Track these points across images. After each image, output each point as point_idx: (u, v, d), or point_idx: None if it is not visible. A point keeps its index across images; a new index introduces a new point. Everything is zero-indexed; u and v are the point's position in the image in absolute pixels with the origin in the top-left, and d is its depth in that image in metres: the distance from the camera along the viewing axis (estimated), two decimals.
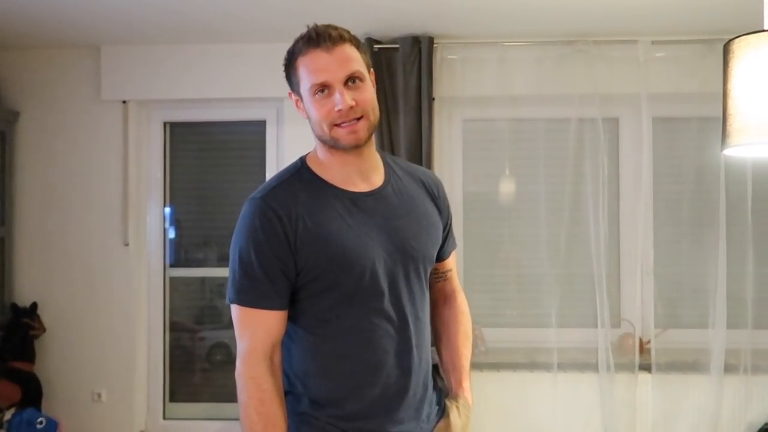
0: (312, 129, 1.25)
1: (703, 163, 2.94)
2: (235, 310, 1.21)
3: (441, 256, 1.41)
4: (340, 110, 1.18)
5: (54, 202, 3.16)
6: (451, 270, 1.47)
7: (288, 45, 1.29)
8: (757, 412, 2.82)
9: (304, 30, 1.25)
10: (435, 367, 1.41)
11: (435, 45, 2.90)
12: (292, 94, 1.28)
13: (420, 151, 2.86)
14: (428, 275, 1.34)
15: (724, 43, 1.32)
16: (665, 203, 3.02)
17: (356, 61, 1.21)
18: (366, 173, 1.28)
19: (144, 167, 3.23)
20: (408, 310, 1.26)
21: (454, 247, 1.48)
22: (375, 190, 1.27)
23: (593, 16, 2.66)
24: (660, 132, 3.01)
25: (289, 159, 3.35)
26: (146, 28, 2.86)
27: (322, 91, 1.18)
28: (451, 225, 1.45)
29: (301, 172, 1.27)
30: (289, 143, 3.07)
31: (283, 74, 1.30)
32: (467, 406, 1.39)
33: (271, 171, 3.15)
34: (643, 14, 2.64)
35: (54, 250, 3.15)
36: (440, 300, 1.46)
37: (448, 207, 1.42)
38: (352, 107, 1.18)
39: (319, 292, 1.21)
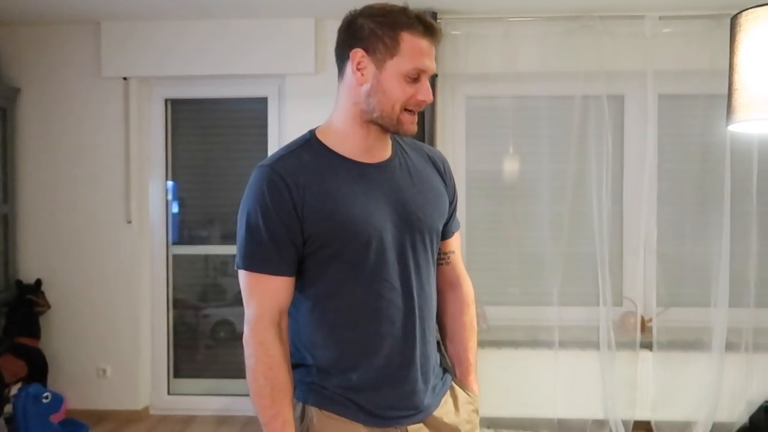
0: (364, 101, 1.22)
1: (709, 140, 2.91)
2: (243, 275, 1.22)
3: (444, 235, 1.40)
4: (423, 100, 1.22)
5: (56, 179, 3.16)
6: (453, 252, 1.44)
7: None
8: (758, 390, 2.84)
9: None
10: (437, 344, 1.41)
11: (439, 20, 2.86)
12: (360, 53, 1.22)
13: (422, 129, 2.84)
14: (435, 249, 1.34)
15: (731, 17, 1.30)
16: (669, 182, 3.00)
17: None
18: (378, 148, 1.29)
19: (145, 144, 3.22)
20: (414, 280, 1.26)
21: (457, 227, 1.46)
22: (382, 162, 1.28)
23: None
24: (665, 109, 2.98)
25: (291, 136, 3.32)
26: (147, 4, 2.82)
27: (416, 76, 1.21)
28: (456, 203, 1.44)
29: (310, 142, 1.27)
30: (290, 120, 3.05)
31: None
32: (474, 397, 1.40)
33: (273, 148, 3.14)
34: None
35: (57, 227, 3.16)
36: (444, 287, 1.43)
37: (453, 184, 1.43)
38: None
39: (325, 261, 1.21)
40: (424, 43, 1.20)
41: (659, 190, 2.96)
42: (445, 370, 1.39)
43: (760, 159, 2.80)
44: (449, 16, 2.89)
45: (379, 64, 1.20)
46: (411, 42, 1.19)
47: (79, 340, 3.16)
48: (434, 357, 1.33)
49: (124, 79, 3.11)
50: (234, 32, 3.03)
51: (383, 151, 1.30)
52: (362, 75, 1.22)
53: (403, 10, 1.21)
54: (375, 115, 1.22)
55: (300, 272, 1.24)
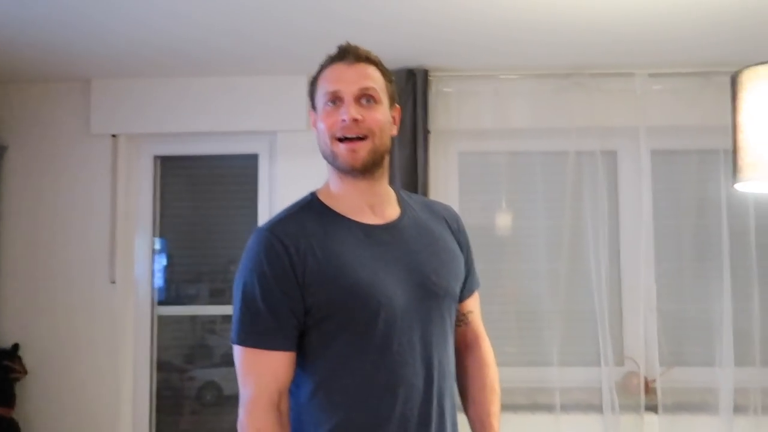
0: (319, 147, 1.22)
1: (704, 196, 2.89)
2: (238, 351, 1.11)
3: (461, 296, 1.31)
4: (344, 121, 1.15)
5: (39, 238, 3.07)
6: (472, 312, 1.35)
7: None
8: None
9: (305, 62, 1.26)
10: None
11: (430, 78, 2.87)
12: (312, 113, 1.25)
13: (416, 185, 2.80)
14: (452, 315, 1.24)
15: (731, 74, 1.28)
16: (666, 237, 2.95)
17: (374, 81, 1.20)
18: (378, 206, 1.22)
19: (133, 202, 3.15)
20: (429, 354, 1.16)
21: (476, 286, 1.38)
22: (390, 222, 1.21)
23: (590, 49, 2.65)
24: (659, 165, 2.97)
25: (282, 193, 3.27)
26: (137, 62, 2.82)
27: (334, 102, 1.17)
28: (472, 261, 1.36)
29: (311, 204, 1.21)
30: (281, 177, 3.01)
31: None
32: None
33: (264, 205, 3.08)
34: (640, 47, 2.62)
35: (38, 288, 3.05)
36: (462, 348, 1.33)
37: (468, 241, 1.36)
38: (356, 120, 1.14)
39: (329, 334, 1.12)
40: (335, 68, 1.18)
41: (656, 246, 2.92)
42: None
43: (757, 214, 2.78)
44: (441, 73, 2.91)
45: (317, 112, 1.22)
46: (324, 74, 1.20)
47: (57, 407, 2.99)
48: None
49: (113, 136, 3.08)
50: (225, 89, 3.02)
51: (388, 210, 1.22)
52: (315, 129, 1.22)
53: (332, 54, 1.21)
54: (325, 157, 1.20)
55: (301, 348, 1.13)
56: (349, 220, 1.18)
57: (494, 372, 1.33)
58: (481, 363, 1.32)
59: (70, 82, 3.08)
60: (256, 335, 1.10)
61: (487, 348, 1.35)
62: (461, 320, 1.33)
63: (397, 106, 1.27)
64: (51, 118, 3.10)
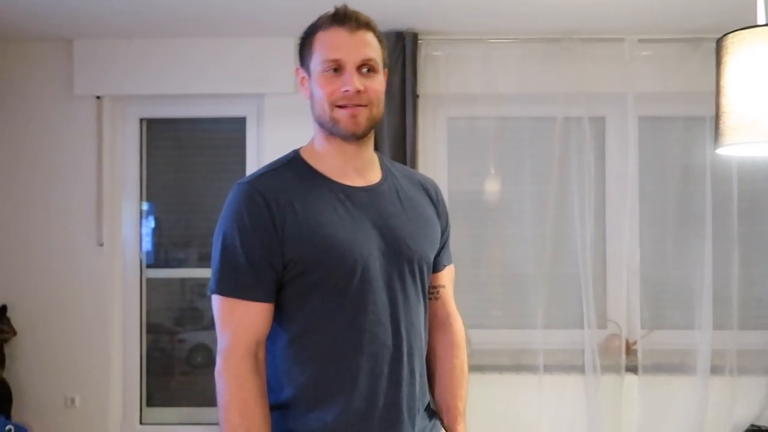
0: (312, 110, 1.21)
1: (689, 162, 2.91)
2: (217, 301, 1.13)
3: (434, 267, 1.32)
4: (347, 91, 1.15)
5: (24, 201, 3.05)
6: (444, 287, 1.36)
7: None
8: (743, 414, 2.81)
9: (306, 17, 1.23)
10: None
11: (419, 41, 2.84)
12: (300, 70, 1.24)
13: (404, 150, 2.80)
14: (425, 281, 1.26)
15: (717, 39, 1.28)
16: (651, 203, 2.99)
17: (374, 50, 1.20)
18: (362, 168, 1.23)
19: (119, 165, 3.13)
20: (402, 315, 1.18)
21: (449, 261, 1.39)
22: (371, 185, 1.22)
23: (579, 13, 2.63)
24: (646, 131, 2.98)
25: (270, 156, 3.26)
26: (122, 21, 2.76)
27: (335, 70, 1.16)
28: (448, 234, 1.37)
29: (293, 161, 1.22)
30: (269, 140, 2.99)
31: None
32: None
33: (251, 168, 3.07)
34: (630, 12, 2.60)
35: (25, 250, 3.04)
36: (433, 326, 1.34)
37: (446, 213, 1.36)
38: (359, 91, 1.15)
39: (306, 290, 1.14)
40: (335, 33, 1.17)
41: (641, 211, 2.95)
42: (433, 413, 1.30)
43: (740, 180, 2.81)
44: (430, 37, 2.88)
45: (308, 72, 1.21)
46: (321, 38, 1.18)
47: (47, 368, 3.03)
48: (423, 398, 1.24)
49: (98, 97, 3.03)
50: (212, 51, 2.98)
51: (371, 174, 1.24)
52: (305, 88, 1.22)
53: (327, 14, 1.20)
54: (320, 122, 1.20)
55: (278, 302, 1.15)
56: (330, 180, 1.19)
57: (463, 353, 1.36)
58: (451, 345, 1.34)
59: (52, 41, 3.01)
60: (234, 286, 1.12)
61: (458, 328, 1.37)
62: (432, 293, 1.34)
63: (386, 70, 1.27)
64: (33, 79, 3.05)
